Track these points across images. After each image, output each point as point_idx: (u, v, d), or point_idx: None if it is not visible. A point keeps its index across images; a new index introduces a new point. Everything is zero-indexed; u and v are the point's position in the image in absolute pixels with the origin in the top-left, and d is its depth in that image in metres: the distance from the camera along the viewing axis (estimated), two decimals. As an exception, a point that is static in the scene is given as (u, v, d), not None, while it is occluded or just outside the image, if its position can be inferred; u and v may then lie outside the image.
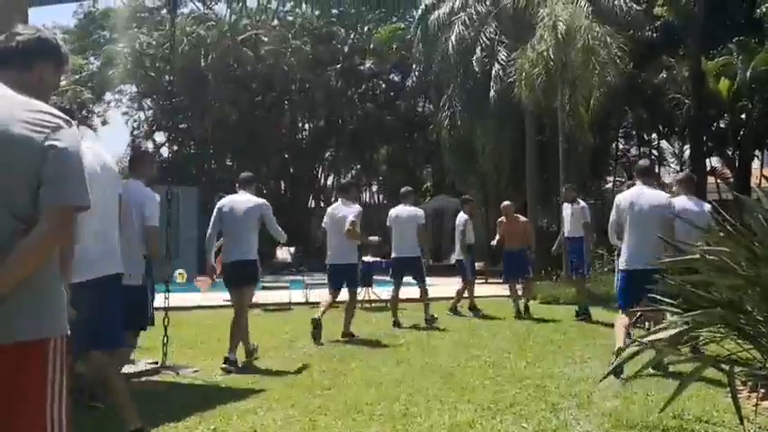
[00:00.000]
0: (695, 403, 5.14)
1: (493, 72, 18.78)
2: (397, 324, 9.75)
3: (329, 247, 8.90)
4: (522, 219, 11.83)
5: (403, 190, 10.53)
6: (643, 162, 8.45)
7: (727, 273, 4.00)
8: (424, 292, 10.15)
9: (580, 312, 10.40)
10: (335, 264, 8.81)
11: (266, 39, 24.88)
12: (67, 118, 2.17)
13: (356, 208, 8.87)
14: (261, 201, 7.39)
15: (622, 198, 6.75)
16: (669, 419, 4.73)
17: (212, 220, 7.30)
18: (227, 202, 7.38)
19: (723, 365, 4.30)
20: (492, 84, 18.69)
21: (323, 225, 9.16)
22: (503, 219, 11.57)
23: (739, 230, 4.01)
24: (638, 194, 6.62)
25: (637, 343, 4.77)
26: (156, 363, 6.73)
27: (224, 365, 6.68)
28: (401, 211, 10.16)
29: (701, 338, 4.54)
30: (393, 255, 10.19)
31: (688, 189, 7.61)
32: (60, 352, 2.13)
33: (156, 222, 5.37)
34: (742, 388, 5.11)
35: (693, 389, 4.98)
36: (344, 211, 8.78)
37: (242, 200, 7.32)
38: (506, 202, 11.75)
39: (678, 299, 4.31)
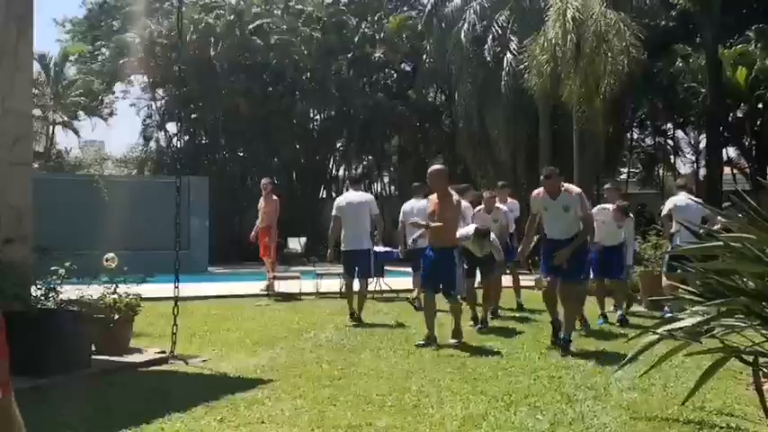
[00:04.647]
0: (715, 395, 5.00)
1: (505, 61, 18.59)
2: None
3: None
4: (456, 199, 7.45)
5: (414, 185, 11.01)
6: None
7: (751, 260, 3.85)
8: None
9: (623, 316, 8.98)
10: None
11: (276, 28, 24.71)
12: None
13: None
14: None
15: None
16: (689, 412, 4.59)
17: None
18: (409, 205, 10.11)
19: (746, 357, 4.17)
20: (503, 74, 18.52)
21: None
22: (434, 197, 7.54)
23: (765, 217, 3.86)
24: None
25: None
26: (164, 352, 6.64)
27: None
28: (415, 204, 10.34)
29: (722, 328, 4.39)
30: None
31: (684, 189, 10.02)
32: None
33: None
34: (763, 380, 4.96)
35: (712, 380, 4.82)
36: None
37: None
38: (434, 167, 7.77)
39: (700, 287, 4.18)
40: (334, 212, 9.51)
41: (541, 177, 7.32)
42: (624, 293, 9.46)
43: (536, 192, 7.33)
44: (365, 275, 9.39)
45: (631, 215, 9.77)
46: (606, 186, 10.71)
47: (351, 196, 9.53)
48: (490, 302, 9.05)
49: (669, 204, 9.93)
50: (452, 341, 7.29)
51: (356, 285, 9.29)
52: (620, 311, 9.05)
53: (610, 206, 9.30)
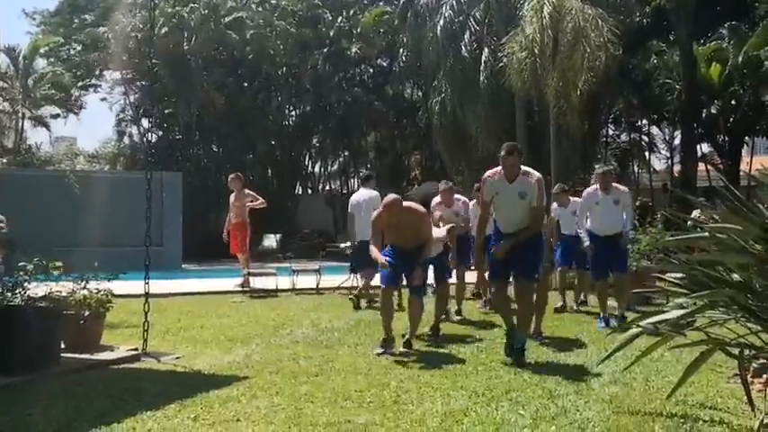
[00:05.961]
0: (697, 388, 4.96)
1: (483, 57, 18.55)
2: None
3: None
4: (416, 208, 6.77)
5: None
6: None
7: (736, 251, 3.79)
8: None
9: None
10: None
11: (252, 22, 24.44)
12: None
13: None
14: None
15: None
16: (672, 406, 4.54)
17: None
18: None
19: (731, 350, 4.12)
20: (482, 69, 18.48)
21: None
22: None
23: (750, 207, 3.80)
24: None
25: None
26: (136, 349, 6.47)
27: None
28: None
29: (705, 320, 4.34)
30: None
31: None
32: None
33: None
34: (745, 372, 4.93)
35: (694, 373, 4.78)
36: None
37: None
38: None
39: (684, 279, 4.12)
40: (349, 210, 10.42)
41: (501, 153, 6.01)
42: (627, 289, 8.30)
43: (490, 172, 6.13)
44: (362, 266, 9.82)
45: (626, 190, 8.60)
46: (554, 191, 9.78)
47: (361, 194, 10.41)
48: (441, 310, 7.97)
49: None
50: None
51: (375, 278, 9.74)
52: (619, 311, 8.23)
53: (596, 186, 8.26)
